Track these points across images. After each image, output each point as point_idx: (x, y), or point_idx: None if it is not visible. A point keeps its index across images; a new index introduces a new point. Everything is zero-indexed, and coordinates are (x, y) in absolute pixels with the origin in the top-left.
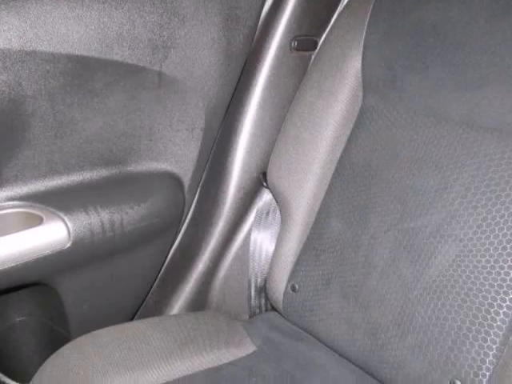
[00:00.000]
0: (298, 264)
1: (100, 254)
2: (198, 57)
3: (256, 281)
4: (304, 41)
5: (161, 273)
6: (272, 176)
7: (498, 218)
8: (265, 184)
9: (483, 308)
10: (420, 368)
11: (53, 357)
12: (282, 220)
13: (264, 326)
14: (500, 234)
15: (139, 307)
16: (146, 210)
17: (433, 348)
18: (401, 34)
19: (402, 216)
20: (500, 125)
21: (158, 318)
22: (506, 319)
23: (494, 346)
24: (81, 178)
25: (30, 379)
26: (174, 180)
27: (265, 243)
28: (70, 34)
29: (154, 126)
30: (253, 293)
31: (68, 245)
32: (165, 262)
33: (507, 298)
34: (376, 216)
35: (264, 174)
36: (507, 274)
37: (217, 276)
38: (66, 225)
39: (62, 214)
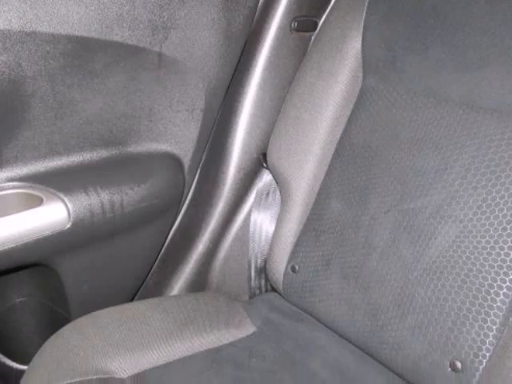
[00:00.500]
0: (297, 245)
1: (100, 234)
2: (198, 38)
3: (256, 262)
4: (304, 22)
5: (161, 254)
6: (272, 157)
7: (497, 199)
8: (265, 165)
9: (483, 289)
10: (420, 349)
11: (53, 337)
12: (281, 201)
13: (264, 306)
14: (500, 214)
15: (139, 288)
16: (146, 191)
17: (433, 329)
18: (401, 15)
19: (402, 197)
20: (500, 106)
21: (158, 299)
22: (506, 300)
23: (494, 327)
24: (81, 158)
25: (29, 360)
26: (174, 161)
27: (265, 224)
28: (69, 14)
29: (154, 106)
30: (253, 274)
31: (68, 225)
32: (165, 242)
33: (507, 279)
34: (376, 197)
35: (264, 155)
36: (507, 254)
37: (217, 257)
38: (66, 205)
39: (61, 195)
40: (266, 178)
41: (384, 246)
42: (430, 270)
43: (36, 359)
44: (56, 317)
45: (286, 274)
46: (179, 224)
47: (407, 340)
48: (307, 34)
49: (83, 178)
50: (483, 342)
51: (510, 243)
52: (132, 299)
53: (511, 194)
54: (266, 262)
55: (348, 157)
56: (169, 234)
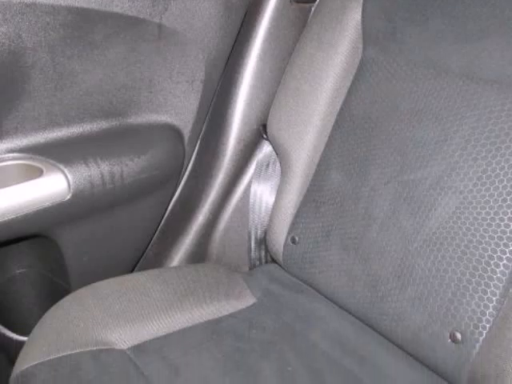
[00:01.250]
0: (297, 216)
1: (100, 206)
2: (198, 8)
3: (256, 233)
4: None
5: (161, 225)
6: (272, 128)
7: (497, 170)
8: (265, 136)
9: (483, 260)
10: (420, 320)
11: (53, 309)
12: (281, 172)
13: (264, 278)
14: (500, 185)
15: (139, 259)
16: (146, 162)
17: (433, 300)
18: None
19: (402, 168)
20: (500, 77)
21: (158, 270)
22: (506, 271)
23: (494, 298)
24: (81, 129)
25: (30, 331)
26: (174, 132)
27: (265, 195)
28: None
29: (154, 77)
30: (253, 245)
31: (68, 197)
32: (165, 214)
33: (507, 250)
34: (376, 168)
35: (264, 126)
36: (507, 225)
37: (217, 228)
38: (66, 177)
39: (62, 166)
40: (265, 149)
41: (384, 217)
42: (430, 242)
43: (36, 330)
44: (56, 288)
45: (285, 245)
46: (179, 195)
47: (407, 311)
48: (307, 5)
49: (83, 149)
50: (483, 313)
51: (509, 214)
52: (132, 270)
53: (511, 166)
54: (266, 233)
55: (348, 128)
56: (169, 205)
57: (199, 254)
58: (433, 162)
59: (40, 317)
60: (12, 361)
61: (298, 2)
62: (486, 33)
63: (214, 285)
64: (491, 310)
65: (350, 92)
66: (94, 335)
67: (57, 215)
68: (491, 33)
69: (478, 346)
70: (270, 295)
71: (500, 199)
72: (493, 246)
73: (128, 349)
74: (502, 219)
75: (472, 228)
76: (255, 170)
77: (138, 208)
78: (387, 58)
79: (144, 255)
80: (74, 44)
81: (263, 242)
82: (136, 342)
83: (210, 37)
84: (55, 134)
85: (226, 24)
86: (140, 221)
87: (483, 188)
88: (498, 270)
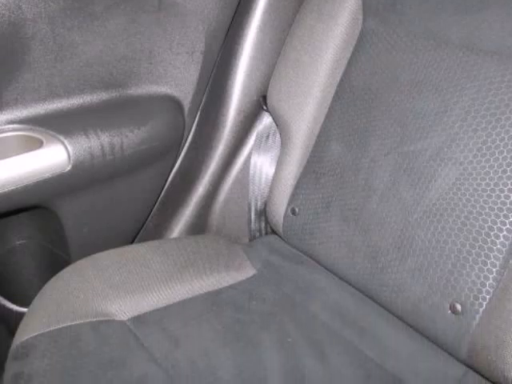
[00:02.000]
0: (298, 187)
1: (100, 177)
2: None
3: (256, 204)
4: None
5: (161, 196)
6: (272, 99)
7: (498, 141)
8: (265, 107)
9: (483, 231)
10: (420, 291)
11: (53, 280)
12: (282, 143)
13: (264, 249)
14: (500, 157)
15: (139, 230)
16: (146, 134)
17: (433, 271)
18: None
19: (402, 139)
20: (500, 48)
21: (158, 242)
22: (506, 242)
23: (494, 270)
24: (81, 101)
25: (29, 302)
26: (174, 103)
27: (265, 166)
28: None
29: (154, 49)
30: (253, 216)
31: (68, 168)
32: (165, 185)
33: (507, 222)
34: (376, 139)
35: (264, 97)
36: (507, 197)
37: (217, 199)
38: (66, 148)
39: (62, 138)
40: (265, 120)
41: (384, 188)
42: (430, 213)
43: (36, 302)
44: (56, 259)
45: (286, 216)
46: (179, 166)
47: (407, 282)
48: None
49: (83, 121)
50: (483, 285)
51: (509, 186)
52: (132, 242)
53: (511, 137)
54: (266, 204)
55: (348, 99)
56: (169, 176)
57: (199, 226)
58: (433, 133)
59: (40, 288)
60: (12, 332)
61: None
62: (486, 4)
63: (214, 256)
64: (491, 281)
65: (350, 63)
66: (93, 306)
67: (57, 186)
68: (491, 4)
69: (478, 317)
70: (270, 266)
71: (500, 170)
72: (493, 217)
73: (128, 320)
74: (502, 190)
75: (472, 199)
76: (255, 141)
77: (138, 179)
78: (387, 29)
79: (144, 227)
80: (74, 15)
81: (263, 213)
82: (136, 314)
83: (210, 8)
84: (55, 105)
85: None
86: (140, 192)
87: (483, 159)
88: (497, 241)
